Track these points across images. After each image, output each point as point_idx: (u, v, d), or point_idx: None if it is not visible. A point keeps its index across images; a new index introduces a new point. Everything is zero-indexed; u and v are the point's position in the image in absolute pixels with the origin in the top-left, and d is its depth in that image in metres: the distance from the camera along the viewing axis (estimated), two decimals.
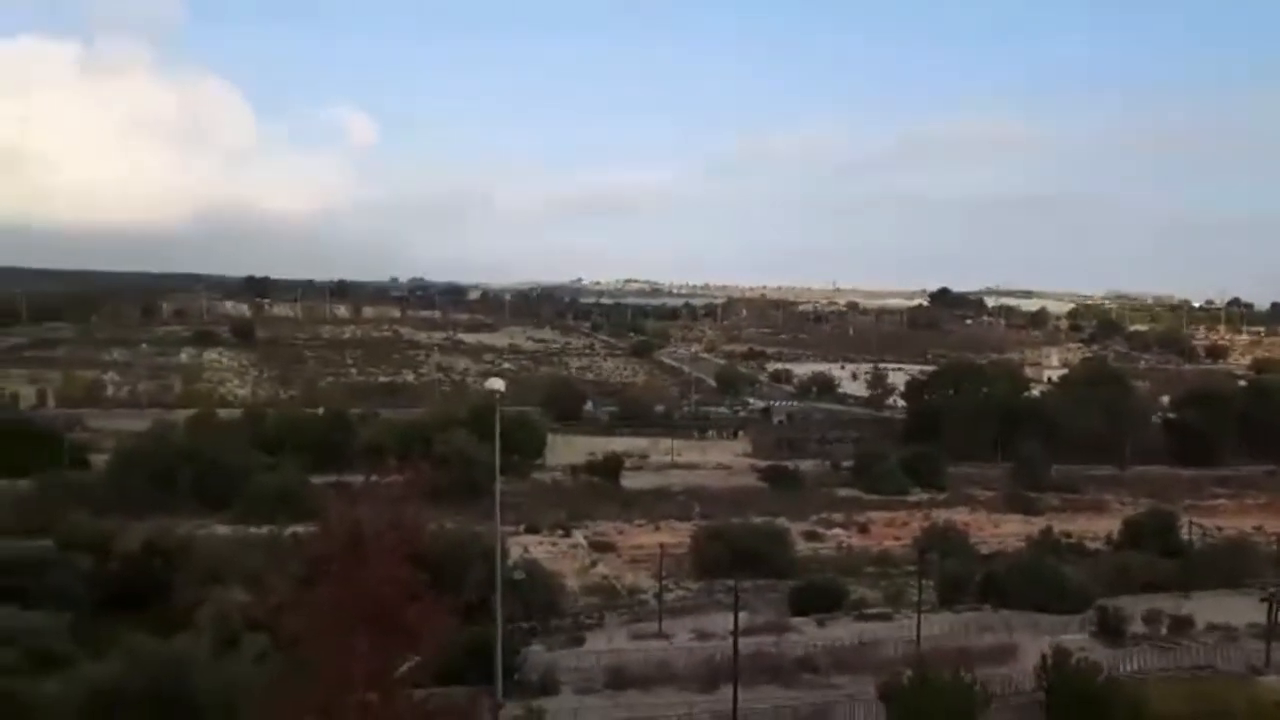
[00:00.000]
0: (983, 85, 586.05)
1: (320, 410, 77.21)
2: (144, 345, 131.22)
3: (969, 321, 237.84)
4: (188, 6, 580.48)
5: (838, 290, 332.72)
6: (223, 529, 47.49)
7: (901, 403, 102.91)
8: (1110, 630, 35.15)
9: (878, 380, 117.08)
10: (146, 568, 30.41)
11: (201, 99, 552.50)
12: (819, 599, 39.79)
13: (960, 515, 62.23)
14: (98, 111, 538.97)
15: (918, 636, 32.16)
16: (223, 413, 79.60)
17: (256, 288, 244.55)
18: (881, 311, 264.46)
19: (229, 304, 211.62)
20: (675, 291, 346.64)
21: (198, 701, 20.69)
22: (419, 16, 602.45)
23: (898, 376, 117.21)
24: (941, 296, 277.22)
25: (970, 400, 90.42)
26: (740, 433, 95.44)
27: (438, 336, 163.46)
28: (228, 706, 19.98)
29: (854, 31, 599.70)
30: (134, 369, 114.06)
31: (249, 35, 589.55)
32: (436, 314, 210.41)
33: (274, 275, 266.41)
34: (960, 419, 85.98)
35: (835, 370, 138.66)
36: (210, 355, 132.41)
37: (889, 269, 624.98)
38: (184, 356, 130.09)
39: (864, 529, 59.06)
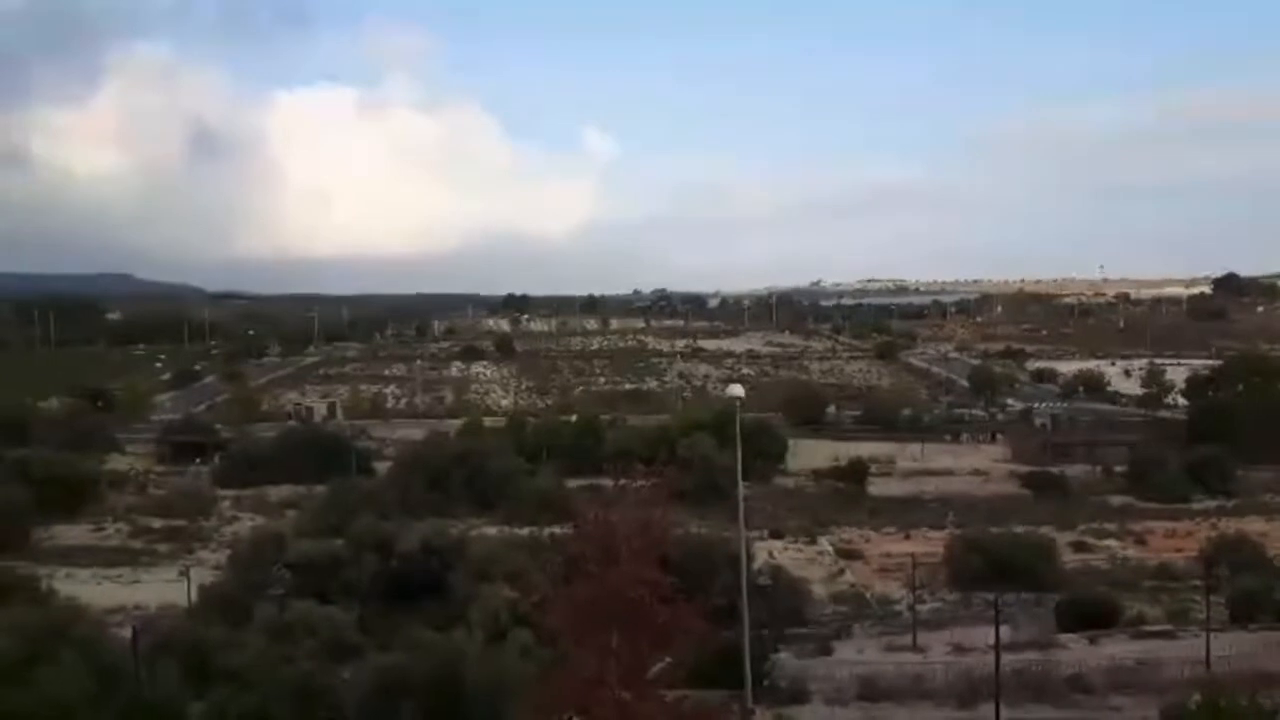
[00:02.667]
0: (1265, 46, 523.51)
1: (573, 417, 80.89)
2: (419, 361, 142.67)
3: (1260, 309, 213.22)
4: (450, 46, 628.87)
5: (1105, 280, 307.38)
6: (490, 529, 50.51)
7: (1182, 401, 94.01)
8: None
9: (1154, 377, 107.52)
10: (424, 565, 32.61)
11: (463, 130, 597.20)
12: (1090, 614, 36.83)
13: (1254, 525, 55.62)
14: (374, 148, 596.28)
15: (1207, 656, 29.06)
16: (488, 421, 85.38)
17: (516, 305, 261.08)
18: (1156, 301, 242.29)
19: (492, 321, 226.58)
20: (922, 289, 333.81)
21: (470, 691, 22.13)
22: (648, 26, 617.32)
23: (1177, 372, 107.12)
24: (1227, 283, 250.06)
25: (1264, 397, 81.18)
26: (998, 436, 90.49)
27: (679, 344, 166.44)
28: (496, 696, 21.24)
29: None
30: (411, 383, 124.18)
31: (502, 68, 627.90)
32: (679, 322, 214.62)
33: (531, 292, 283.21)
34: (1252, 418, 77.10)
35: (1104, 367, 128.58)
36: (476, 368, 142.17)
37: (1164, 254, 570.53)
38: (454, 370, 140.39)
39: (1141, 540, 54.17)
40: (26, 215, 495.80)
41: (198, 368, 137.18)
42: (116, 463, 73.16)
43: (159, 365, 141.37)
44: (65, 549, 47.67)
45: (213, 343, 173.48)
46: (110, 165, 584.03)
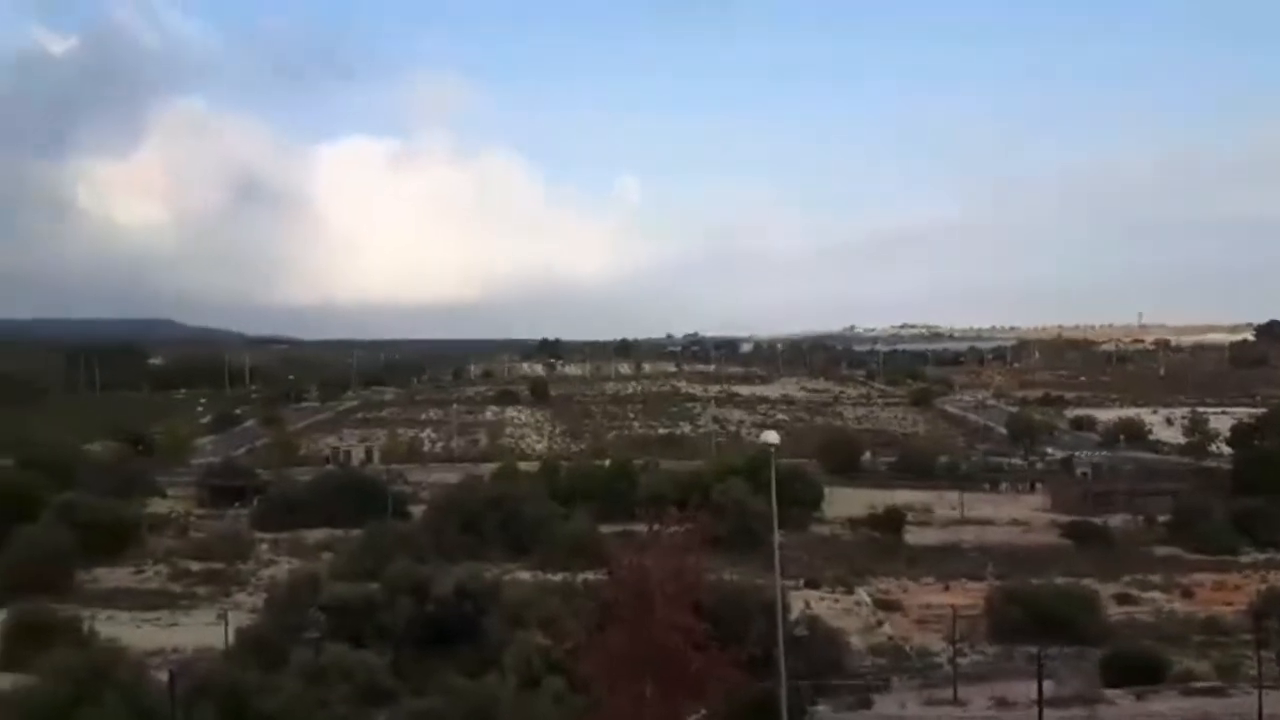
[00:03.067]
0: None
1: (606, 462, 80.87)
2: (454, 405, 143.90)
3: None
4: (486, 96, 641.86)
5: (1143, 326, 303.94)
6: (524, 574, 50.41)
7: (1226, 450, 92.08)
8: None
9: (1197, 425, 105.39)
10: (458, 610, 32.57)
11: (498, 176, 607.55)
12: (1136, 669, 35.92)
13: None
14: (412, 196, 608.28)
15: (1259, 714, 28.20)
16: (522, 465, 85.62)
17: (549, 349, 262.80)
18: (1198, 348, 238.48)
19: (526, 365, 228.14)
20: (957, 335, 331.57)
21: None
22: (681, 70, 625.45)
23: (1220, 421, 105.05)
24: (1270, 329, 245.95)
25: None
26: (1038, 485, 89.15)
27: (712, 389, 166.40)
28: None
29: (1154, 33, 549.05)
30: (446, 427, 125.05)
31: (537, 115, 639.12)
32: (711, 367, 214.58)
33: (565, 336, 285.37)
34: None
35: (1145, 415, 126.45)
36: (511, 412, 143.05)
37: (1206, 300, 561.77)
38: (489, 414, 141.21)
39: (1187, 592, 52.86)
40: (73, 263, 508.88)
41: (238, 412, 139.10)
42: (157, 506, 74.11)
43: (200, 409, 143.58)
44: (107, 591, 48.21)
45: (253, 387, 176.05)
46: (153, 214, 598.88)
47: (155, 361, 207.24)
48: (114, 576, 51.90)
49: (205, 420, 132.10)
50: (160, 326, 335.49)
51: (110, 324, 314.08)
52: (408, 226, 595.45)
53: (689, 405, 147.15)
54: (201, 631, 38.00)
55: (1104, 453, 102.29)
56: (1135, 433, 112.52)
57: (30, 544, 47.37)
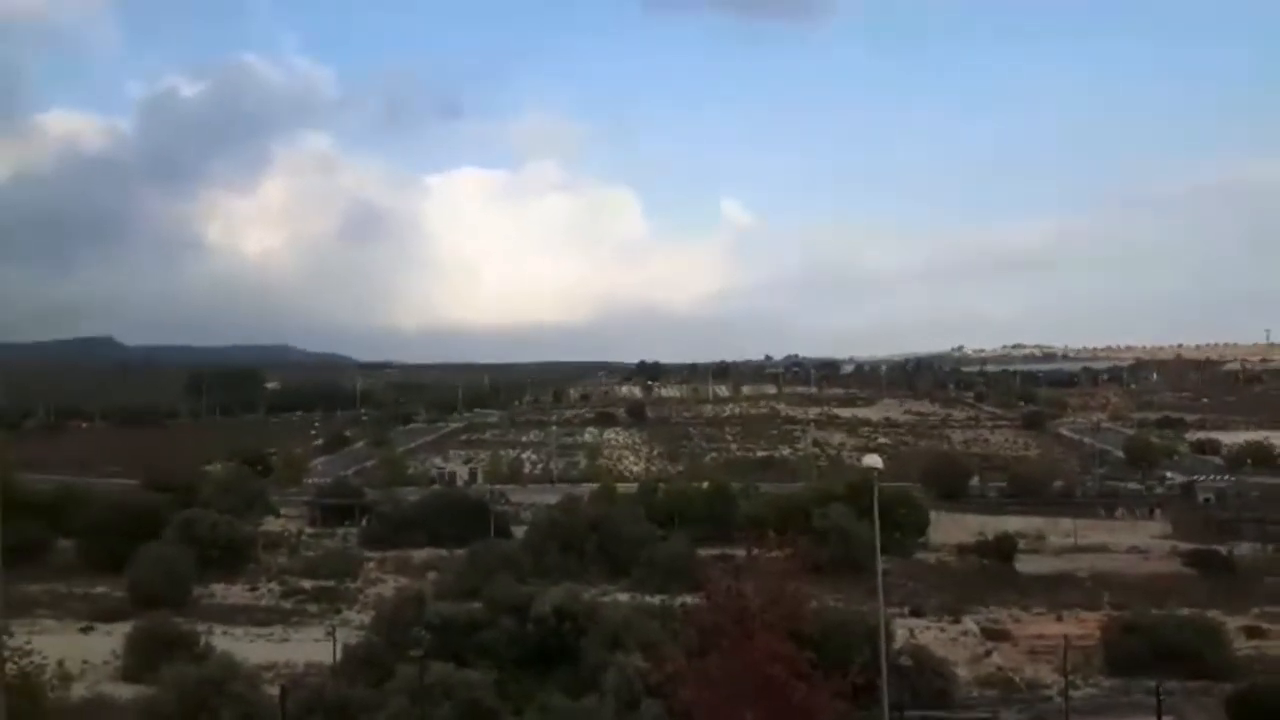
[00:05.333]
0: None
1: (704, 484, 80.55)
2: (554, 427, 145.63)
3: None
4: (591, 129, 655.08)
5: (1271, 345, 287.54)
6: (622, 596, 50.46)
7: None
8: None
9: None
10: (557, 630, 32.75)
11: (601, 205, 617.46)
12: (1266, 706, 33.76)
13: None
14: (519, 226, 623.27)
15: None
16: (620, 487, 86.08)
17: (648, 371, 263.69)
18: None
19: (624, 387, 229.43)
20: (1071, 355, 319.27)
21: None
22: (778, 97, 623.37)
23: None
24: None
25: None
26: (1157, 512, 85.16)
27: (813, 411, 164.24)
28: None
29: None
30: (547, 448, 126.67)
31: (640, 146, 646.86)
32: (812, 389, 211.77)
33: (663, 359, 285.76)
34: None
35: (1274, 439, 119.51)
36: (609, 434, 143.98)
37: None
38: (588, 436, 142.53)
39: None
40: (201, 293, 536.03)
41: (348, 434, 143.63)
42: (271, 525, 76.93)
43: (313, 432, 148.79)
44: (223, 607, 50.10)
45: (363, 410, 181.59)
46: (275, 246, 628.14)
47: (272, 386, 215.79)
48: (230, 593, 53.95)
49: (318, 442, 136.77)
50: (280, 352, 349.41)
51: (234, 350, 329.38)
52: (515, 255, 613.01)
53: (788, 428, 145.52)
54: (311, 648, 39.12)
55: (1229, 477, 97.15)
56: (1263, 457, 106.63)
57: (153, 560, 49.62)
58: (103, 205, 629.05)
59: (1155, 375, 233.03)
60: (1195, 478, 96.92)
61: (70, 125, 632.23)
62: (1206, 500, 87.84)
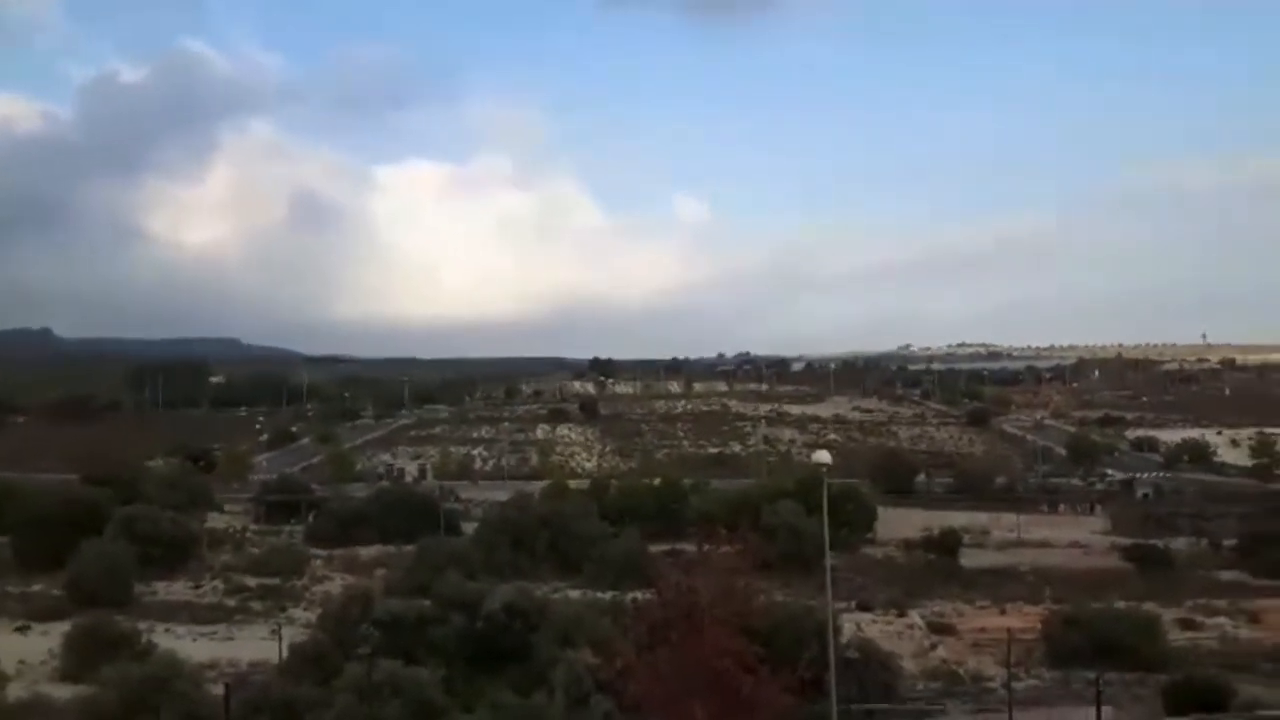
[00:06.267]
0: None
1: (656, 481, 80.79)
2: (506, 423, 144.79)
3: None
4: (543, 120, 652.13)
5: (1208, 346, 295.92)
6: (573, 592, 50.48)
7: None
8: None
9: (1264, 447, 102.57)
10: (508, 627, 32.68)
11: (554, 199, 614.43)
12: (1200, 697, 34.80)
13: None
14: (469, 219, 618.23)
15: None
16: (572, 483, 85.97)
17: (601, 368, 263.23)
18: (1265, 368, 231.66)
19: (577, 384, 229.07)
20: (1015, 354, 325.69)
21: None
22: (737, 94, 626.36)
23: None
24: None
25: None
26: (1097, 507, 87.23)
27: (763, 408, 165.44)
28: None
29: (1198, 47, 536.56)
30: (498, 444, 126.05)
31: (594, 139, 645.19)
32: (763, 386, 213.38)
33: (616, 356, 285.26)
34: None
35: (1210, 436, 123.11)
36: (561, 431, 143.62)
37: (1273, 318, 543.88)
38: (539, 432, 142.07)
39: (1255, 618, 51.10)
40: (143, 285, 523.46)
41: (294, 429, 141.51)
42: (215, 521, 75.62)
43: (258, 427, 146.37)
44: (165, 605, 49.13)
45: (309, 405, 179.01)
46: (220, 236, 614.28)
47: (217, 379, 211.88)
48: (173, 590, 52.96)
49: (264, 438, 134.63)
50: (225, 345, 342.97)
51: (177, 343, 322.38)
52: (465, 249, 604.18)
53: (740, 424, 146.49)
54: (256, 646, 38.56)
55: (1166, 474, 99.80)
56: (1199, 454, 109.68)
57: (93, 557, 48.54)
58: (40, 192, 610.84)
59: (1097, 374, 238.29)
60: (1134, 474, 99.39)
61: (6, 108, 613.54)
62: (1145, 496, 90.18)
